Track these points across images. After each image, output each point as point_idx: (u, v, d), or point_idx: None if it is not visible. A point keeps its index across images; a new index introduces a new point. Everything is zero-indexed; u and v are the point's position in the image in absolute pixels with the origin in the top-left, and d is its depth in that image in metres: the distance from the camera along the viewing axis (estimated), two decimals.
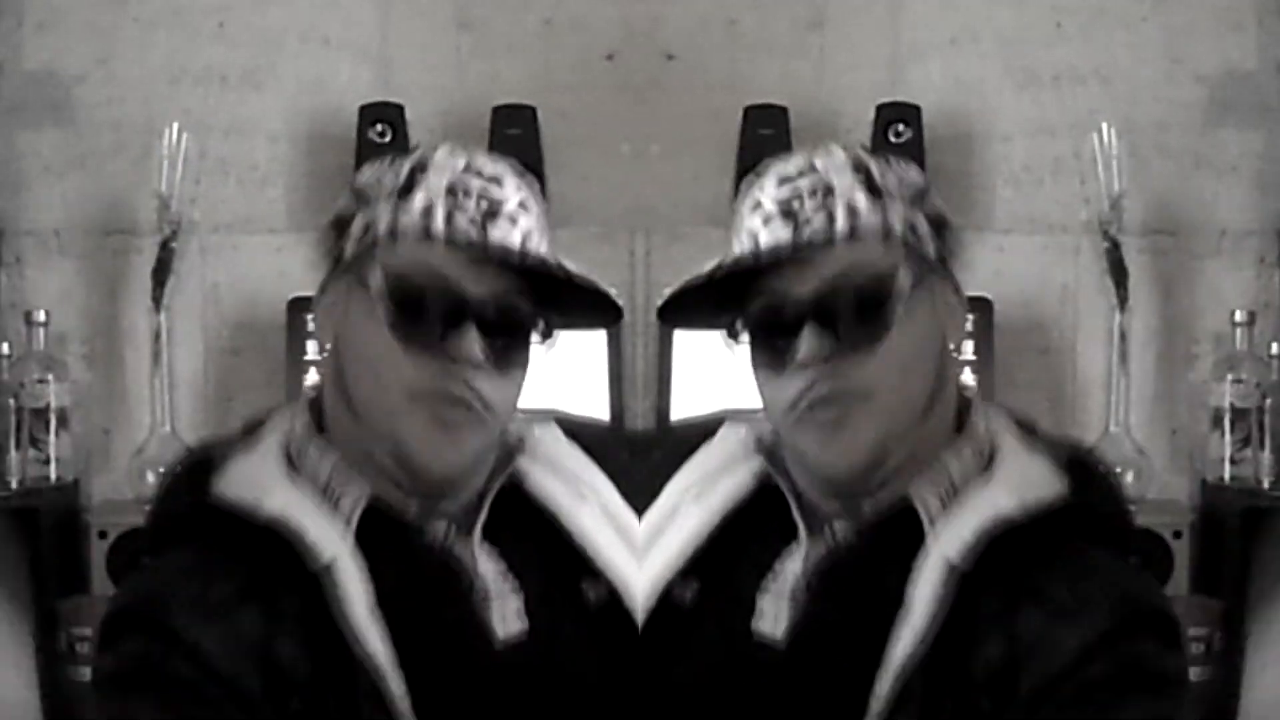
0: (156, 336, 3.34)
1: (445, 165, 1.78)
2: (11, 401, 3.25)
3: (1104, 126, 3.31)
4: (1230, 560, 3.11)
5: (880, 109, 3.36)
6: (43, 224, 3.48)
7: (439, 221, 1.75)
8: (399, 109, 3.39)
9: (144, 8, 3.48)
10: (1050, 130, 3.45)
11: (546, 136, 3.37)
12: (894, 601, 1.74)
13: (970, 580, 1.75)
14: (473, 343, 1.75)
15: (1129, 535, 1.89)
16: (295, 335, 3.32)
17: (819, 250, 1.75)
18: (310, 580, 1.74)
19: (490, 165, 1.80)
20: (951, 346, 1.87)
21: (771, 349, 1.78)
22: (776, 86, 3.41)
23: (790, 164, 1.80)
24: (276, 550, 1.75)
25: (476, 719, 1.77)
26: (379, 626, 1.74)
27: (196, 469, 1.83)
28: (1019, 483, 1.81)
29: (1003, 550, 1.76)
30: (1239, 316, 3.28)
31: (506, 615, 1.81)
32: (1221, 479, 3.26)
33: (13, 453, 3.24)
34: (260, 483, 1.79)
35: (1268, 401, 3.23)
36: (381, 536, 1.78)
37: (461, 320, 1.75)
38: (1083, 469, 1.85)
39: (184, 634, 1.73)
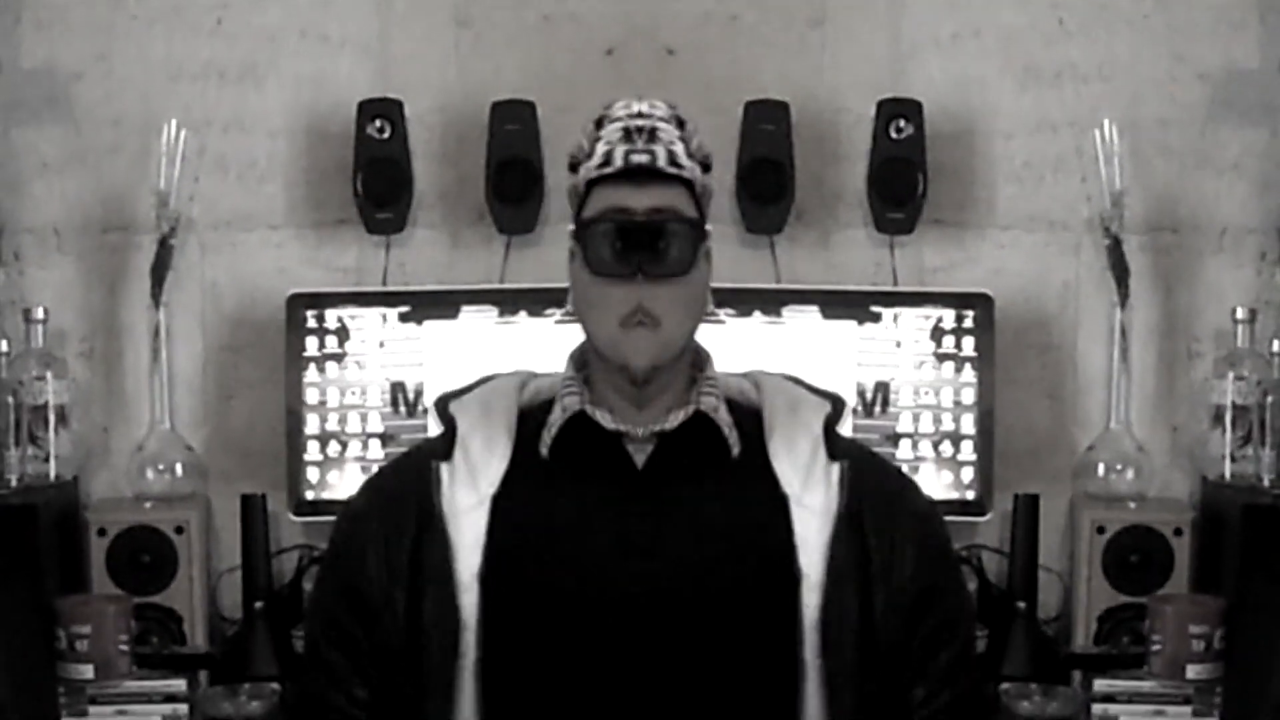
0: (155, 333, 3.33)
1: (617, 116, 2.06)
2: (10, 399, 3.24)
3: (1105, 123, 3.31)
4: (1231, 558, 3.11)
5: (881, 105, 3.36)
6: (42, 221, 3.47)
7: (616, 160, 2.02)
8: (398, 105, 3.39)
9: (142, 5, 3.47)
10: (1052, 127, 3.44)
11: (545, 131, 3.36)
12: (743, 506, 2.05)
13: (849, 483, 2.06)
14: (635, 259, 1.99)
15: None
16: (294, 331, 3.31)
17: (651, 177, 2.02)
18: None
19: (652, 106, 2.07)
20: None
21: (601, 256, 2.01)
22: (777, 82, 3.40)
23: (621, 107, 2.09)
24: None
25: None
26: (485, 521, 2.04)
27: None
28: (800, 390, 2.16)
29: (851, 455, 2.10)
30: (1240, 314, 3.28)
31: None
32: (1222, 476, 3.26)
33: (12, 450, 3.24)
34: (491, 389, 2.15)
35: (1268, 399, 3.23)
36: (581, 443, 2.06)
37: (627, 238, 2.00)
38: (798, 381, 2.18)
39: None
